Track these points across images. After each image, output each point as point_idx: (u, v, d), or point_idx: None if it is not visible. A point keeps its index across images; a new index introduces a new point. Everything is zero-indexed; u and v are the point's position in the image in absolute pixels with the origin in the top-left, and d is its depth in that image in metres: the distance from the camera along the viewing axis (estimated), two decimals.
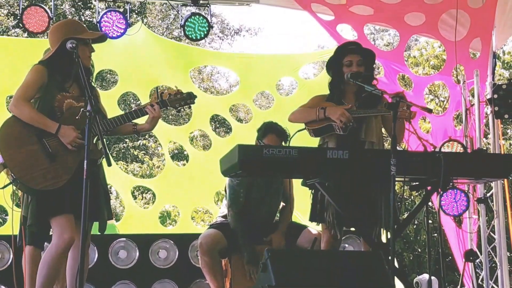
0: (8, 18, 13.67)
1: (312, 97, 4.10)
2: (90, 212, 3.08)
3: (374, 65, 4.10)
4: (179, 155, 11.93)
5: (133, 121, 3.66)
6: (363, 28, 6.02)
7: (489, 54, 5.81)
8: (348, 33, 6.08)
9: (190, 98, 3.80)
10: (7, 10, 13.90)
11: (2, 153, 3.39)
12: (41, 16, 5.43)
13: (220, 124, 14.23)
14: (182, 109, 3.81)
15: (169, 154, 9.86)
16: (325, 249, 3.99)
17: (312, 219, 4.02)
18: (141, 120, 3.77)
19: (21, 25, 5.65)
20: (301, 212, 5.78)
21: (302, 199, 4.74)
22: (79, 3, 14.64)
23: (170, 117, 14.85)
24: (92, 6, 13.66)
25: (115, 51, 6.26)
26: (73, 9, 14.89)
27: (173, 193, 7.08)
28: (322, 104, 3.91)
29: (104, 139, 3.37)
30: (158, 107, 3.64)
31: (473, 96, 5.94)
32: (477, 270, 5.73)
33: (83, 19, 14.80)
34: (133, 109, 3.67)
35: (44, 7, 5.47)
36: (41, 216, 3.44)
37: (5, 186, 3.80)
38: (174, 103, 3.74)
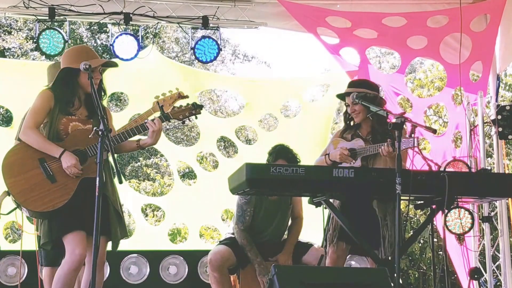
0: (27, 42, 13.84)
1: (334, 134, 4.27)
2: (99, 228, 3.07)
3: (380, 88, 4.16)
4: (189, 174, 11.94)
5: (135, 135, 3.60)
6: (365, 52, 6.03)
7: (488, 77, 5.80)
8: (351, 56, 6.09)
9: (195, 108, 3.67)
10: (26, 34, 14.07)
11: (5, 181, 3.40)
12: (56, 39, 5.48)
13: (229, 144, 14.26)
14: (188, 120, 3.68)
15: (180, 173, 9.91)
16: (330, 266, 3.96)
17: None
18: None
19: (38, 48, 5.71)
20: (308, 229, 5.77)
21: (309, 217, 4.73)
22: (94, 27, 14.80)
23: (180, 138, 14.94)
24: (107, 30, 13.80)
25: (126, 74, 6.33)
26: (89, 33, 15.05)
27: (181, 211, 7.12)
28: (330, 145, 4.09)
29: (116, 157, 3.36)
30: (158, 121, 3.57)
31: (476, 116, 5.92)
32: None
33: (99, 43, 14.96)
34: (134, 125, 3.59)
35: (60, 30, 5.53)
36: (54, 235, 3.44)
37: (10, 212, 3.82)
38: (177, 115, 3.65)
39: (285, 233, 4.80)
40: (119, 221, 3.57)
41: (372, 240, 3.82)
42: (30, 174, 3.39)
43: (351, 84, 4.21)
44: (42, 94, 3.55)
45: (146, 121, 3.60)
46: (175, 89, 3.82)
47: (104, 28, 14.31)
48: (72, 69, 3.49)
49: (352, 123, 4.13)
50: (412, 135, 3.49)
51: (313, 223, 4.14)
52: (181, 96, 3.81)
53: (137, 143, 3.64)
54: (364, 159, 3.92)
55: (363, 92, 3.96)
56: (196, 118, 3.72)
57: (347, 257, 4.42)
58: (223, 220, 7.68)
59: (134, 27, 5.87)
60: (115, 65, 3.71)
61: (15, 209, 3.66)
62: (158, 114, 3.82)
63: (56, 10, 5.50)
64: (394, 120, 3.44)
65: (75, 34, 14.49)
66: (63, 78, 3.52)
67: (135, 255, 5.18)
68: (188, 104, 3.68)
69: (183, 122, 3.74)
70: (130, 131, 3.54)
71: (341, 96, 4.23)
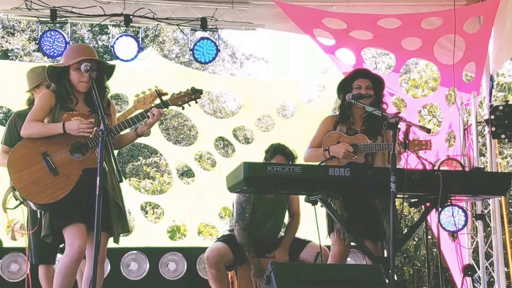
0: (30, 43, 13.81)
1: (322, 120, 4.12)
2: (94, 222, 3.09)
3: (384, 91, 4.12)
4: (188, 173, 11.94)
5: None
6: (360, 53, 6.02)
7: (481, 77, 5.80)
8: (347, 57, 6.08)
9: (194, 93, 3.61)
10: (29, 35, 14.05)
11: (11, 177, 3.43)
12: (58, 40, 5.47)
13: (226, 144, 14.25)
14: (188, 105, 3.60)
15: (179, 171, 9.89)
16: (327, 263, 3.96)
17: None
18: None
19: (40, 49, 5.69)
20: (305, 227, 5.78)
21: (307, 214, 4.73)
22: (95, 28, 14.78)
23: (180, 137, 14.92)
24: (108, 31, 13.78)
25: (126, 75, 6.32)
26: (91, 34, 15.03)
27: (180, 209, 7.12)
28: (326, 139, 3.97)
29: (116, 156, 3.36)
30: (156, 112, 3.51)
31: (470, 116, 5.92)
32: (475, 285, 5.66)
33: (100, 44, 14.94)
34: (133, 115, 3.57)
35: (61, 31, 5.51)
36: (55, 226, 3.44)
37: (16, 207, 3.83)
38: (176, 101, 3.60)
39: (282, 230, 4.80)
40: (120, 215, 3.54)
41: (373, 235, 3.83)
42: (33, 168, 3.41)
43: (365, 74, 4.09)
44: (43, 94, 3.60)
45: (137, 111, 3.57)
46: (155, 87, 3.80)
47: (105, 30, 14.29)
48: (57, 68, 3.51)
49: (346, 115, 4.00)
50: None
51: (309, 220, 4.13)
52: (160, 94, 3.79)
53: (135, 132, 3.61)
54: (365, 155, 3.90)
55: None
56: (196, 102, 3.64)
57: None
58: (222, 217, 7.69)
59: (134, 29, 5.85)
60: (109, 68, 3.62)
61: (21, 203, 3.66)
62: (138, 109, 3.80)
63: (57, 12, 5.48)
64: (388, 120, 3.43)
65: (77, 35, 14.47)
66: (51, 76, 3.54)
67: (135, 251, 5.18)
68: (187, 89, 3.63)
69: (183, 108, 3.65)
70: (129, 120, 3.51)
71: (353, 76, 4.05)
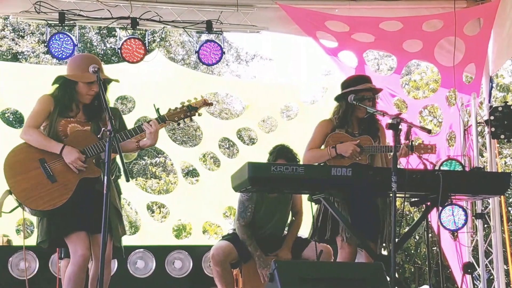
0: (39, 45, 13.85)
1: (317, 124, 4.08)
2: (95, 226, 3.13)
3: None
4: (193, 172, 11.95)
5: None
6: (362, 55, 6.02)
7: (481, 79, 5.79)
8: (349, 59, 6.08)
9: (190, 111, 3.58)
10: (38, 38, 14.09)
11: (7, 181, 3.39)
12: (66, 43, 5.48)
13: (231, 145, 14.25)
14: (183, 122, 3.58)
15: (184, 171, 9.89)
16: (330, 261, 3.95)
17: (320, 236, 3.96)
18: None
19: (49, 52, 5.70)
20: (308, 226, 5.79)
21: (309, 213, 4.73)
22: (103, 31, 14.80)
23: (186, 138, 14.95)
24: (116, 34, 13.79)
25: (133, 77, 6.34)
26: (99, 37, 15.05)
27: (185, 208, 7.14)
28: (329, 139, 3.93)
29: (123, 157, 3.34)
30: (154, 123, 3.49)
31: (470, 117, 5.91)
32: (475, 282, 5.64)
33: (108, 46, 14.97)
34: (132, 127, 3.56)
35: (69, 34, 5.53)
36: (53, 234, 3.42)
37: (12, 210, 3.81)
38: (173, 117, 3.57)
39: (286, 228, 4.80)
40: (119, 218, 3.53)
41: (373, 233, 3.82)
42: (31, 174, 3.38)
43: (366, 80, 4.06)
44: (42, 98, 3.55)
45: (141, 123, 3.57)
46: (200, 97, 3.73)
47: (113, 32, 14.30)
48: (69, 80, 3.50)
49: (346, 119, 3.97)
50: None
51: (310, 219, 4.12)
52: (206, 103, 3.74)
53: (137, 144, 3.57)
54: (368, 156, 3.89)
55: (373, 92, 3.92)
56: (191, 120, 3.61)
57: None
58: (227, 216, 7.69)
59: (141, 32, 5.86)
60: (110, 81, 3.58)
61: (16, 207, 3.65)
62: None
63: (66, 15, 5.49)
64: (390, 121, 3.43)
65: (85, 38, 14.49)
66: (60, 85, 3.54)
67: (142, 250, 5.20)
68: (183, 106, 3.60)
69: (178, 124, 3.61)
70: (127, 132, 3.48)
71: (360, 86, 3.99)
